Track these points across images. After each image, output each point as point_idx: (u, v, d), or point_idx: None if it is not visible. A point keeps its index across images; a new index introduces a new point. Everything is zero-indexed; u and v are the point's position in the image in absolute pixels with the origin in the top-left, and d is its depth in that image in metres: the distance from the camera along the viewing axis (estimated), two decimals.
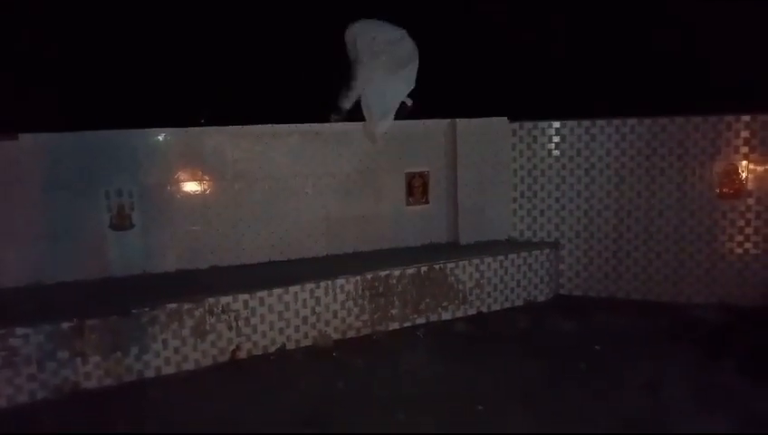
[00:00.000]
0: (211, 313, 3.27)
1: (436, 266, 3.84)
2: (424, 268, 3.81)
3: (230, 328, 3.32)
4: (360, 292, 3.63)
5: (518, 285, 4.10)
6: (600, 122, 4.15)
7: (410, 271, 3.77)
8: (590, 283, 4.28)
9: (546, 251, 4.19)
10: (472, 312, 3.96)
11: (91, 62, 5.48)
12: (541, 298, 4.19)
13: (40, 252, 3.53)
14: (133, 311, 3.09)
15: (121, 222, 3.62)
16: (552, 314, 3.96)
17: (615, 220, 4.19)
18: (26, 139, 3.46)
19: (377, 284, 3.68)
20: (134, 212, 3.65)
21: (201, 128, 4.05)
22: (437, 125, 4.34)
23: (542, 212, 4.33)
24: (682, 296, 4.08)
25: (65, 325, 2.93)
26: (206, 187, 3.85)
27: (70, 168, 3.55)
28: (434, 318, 3.85)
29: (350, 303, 3.62)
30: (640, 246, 4.15)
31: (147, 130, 3.75)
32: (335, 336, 3.59)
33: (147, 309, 3.12)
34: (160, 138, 3.77)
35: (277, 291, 3.43)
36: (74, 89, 5.31)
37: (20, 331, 2.84)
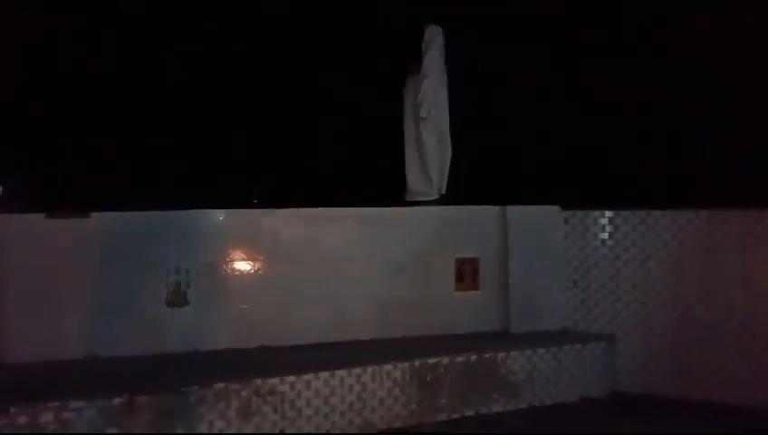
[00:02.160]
0: (257, 394, 3.25)
1: (487, 356, 3.74)
2: (473, 357, 3.72)
3: (275, 411, 3.28)
4: (407, 379, 3.56)
5: (572, 380, 3.93)
6: (655, 213, 4.09)
7: (459, 359, 3.69)
8: (650, 380, 4.06)
9: (602, 344, 4.04)
10: (523, 406, 3.79)
11: (155, 148, 5.87)
12: (596, 394, 3.99)
13: (97, 325, 3.65)
14: (182, 389, 3.11)
15: (177, 299, 3.72)
16: (607, 413, 3.76)
17: (675, 315, 4.02)
18: (97, 217, 3.68)
19: (425, 372, 3.60)
20: (189, 289, 3.76)
21: (257, 210, 4.23)
22: (488, 212, 4.36)
23: (596, 303, 4.21)
24: (754, 399, 3.80)
25: (117, 401, 2.96)
26: (258, 267, 3.94)
27: (133, 245, 3.73)
28: (483, 410, 3.71)
29: (397, 390, 3.53)
30: (703, 343, 3.93)
31: (206, 210, 3.93)
32: (380, 426, 3.49)
33: (196, 388, 3.13)
34: (219, 218, 3.93)
35: (323, 375, 3.40)
36: (139, 172, 5.68)
37: (74, 404, 2.89)
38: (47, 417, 2.83)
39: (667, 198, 4.32)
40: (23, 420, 2.79)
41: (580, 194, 4.45)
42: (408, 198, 4.77)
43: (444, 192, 4.67)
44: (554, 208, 4.32)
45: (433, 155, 4.69)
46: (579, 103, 5.48)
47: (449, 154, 4.66)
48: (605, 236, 4.19)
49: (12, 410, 2.79)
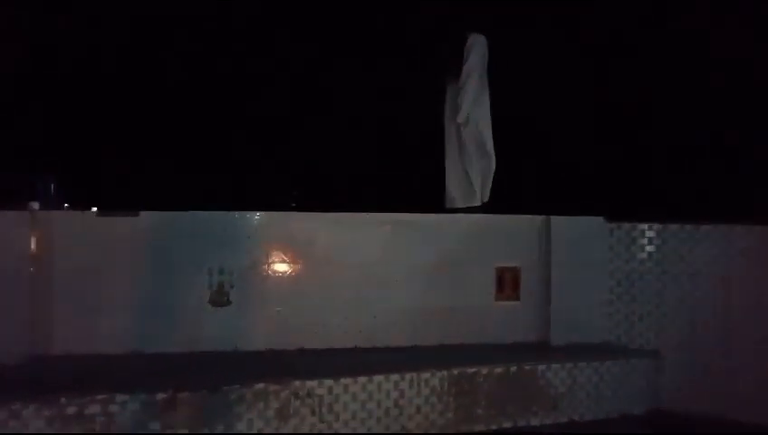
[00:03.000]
0: (296, 396, 3.27)
1: (526, 367, 3.68)
2: (513, 368, 3.66)
3: (313, 413, 3.30)
4: (445, 388, 3.53)
5: (614, 395, 3.83)
6: (705, 227, 3.97)
7: (498, 370, 3.64)
8: (695, 399, 3.93)
9: (645, 360, 3.94)
10: (563, 419, 3.72)
11: (204, 151, 6.02)
12: (638, 412, 3.88)
13: (142, 322, 3.73)
14: (223, 387, 3.15)
15: (220, 298, 3.78)
16: (649, 431, 3.66)
17: (723, 333, 3.90)
18: (145, 216, 3.76)
19: (463, 381, 3.57)
20: (232, 290, 3.81)
21: (298, 213, 4.27)
22: (530, 221, 4.30)
23: (640, 318, 4.11)
24: None
25: (160, 396, 3.02)
26: (298, 269, 3.97)
27: (179, 244, 3.80)
28: (521, 422, 3.65)
29: (435, 398, 3.51)
30: (753, 363, 3.80)
31: (250, 212, 3.97)
32: (416, 432, 3.47)
33: (236, 386, 3.17)
34: (262, 220, 3.97)
35: (362, 379, 3.40)
36: (186, 172, 5.83)
37: (119, 397, 2.95)
38: (94, 409, 2.90)
39: (717, 211, 4.19)
40: (71, 410, 2.88)
41: (625, 206, 4.36)
42: (448, 205, 4.75)
43: (486, 201, 4.64)
44: (599, 220, 4.24)
45: (473, 162, 4.67)
46: (625, 112, 5.39)
47: (493, 163, 4.62)
48: (652, 249, 4.09)
49: (62, 400, 2.87)
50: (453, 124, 4.74)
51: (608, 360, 3.85)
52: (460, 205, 4.70)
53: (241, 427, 3.15)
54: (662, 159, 5.31)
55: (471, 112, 4.62)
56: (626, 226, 4.17)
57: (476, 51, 4.65)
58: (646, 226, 4.12)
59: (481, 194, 4.70)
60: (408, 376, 3.47)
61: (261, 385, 3.21)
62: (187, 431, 3.04)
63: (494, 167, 4.65)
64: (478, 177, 4.69)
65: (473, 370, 3.59)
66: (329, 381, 3.33)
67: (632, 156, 5.38)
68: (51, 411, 2.87)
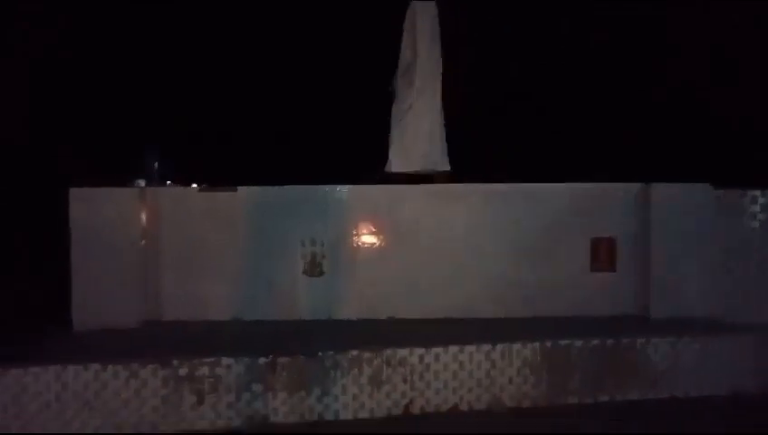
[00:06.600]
0: (388, 363, 3.35)
1: (624, 341, 3.56)
2: (609, 341, 3.55)
3: (405, 381, 3.36)
4: (537, 360, 3.48)
5: (720, 372, 3.62)
6: None
7: (594, 343, 3.54)
8: None
9: (755, 336, 3.68)
10: (664, 395, 3.57)
11: (296, 128, 6.22)
12: (747, 390, 3.65)
13: (242, 291, 3.94)
14: (319, 353, 3.28)
15: (313, 269, 3.92)
16: (761, 410, 3.44)
17: None
18: (243, 191, 3.94)
19: (556, 353, 3.50)
20: (324, 260, 3.93)
21: (387, 185, 4.30)
22: (628, 189, 4.11)
23: (750, 291, 3.84)
24: None
25: (261, 360, 3.19)
26: (388, 241, 4.03)
27: (274, 217, 3.96)
28: (618, 397, 3.54)
29: (527, 370, 3.47)
30: None
31: (338, 186, 4.06)
32: (509, 404, 3.45)
33: (331, 353, 3.29)
34: (351, 193, 4.05)
35: (453, 349, 3.42)
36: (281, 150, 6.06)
37: (225, 361, 3.15)
38: (203, 370, 3.12)
39: None
40: (183, 372, 3.11)
41: (735, 172, 4.06)
42: (387, 169, 4.65)
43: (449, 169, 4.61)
44: (705, 186, 3.97)
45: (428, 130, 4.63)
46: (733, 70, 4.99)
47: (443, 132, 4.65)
48: (764, 217, 3.79)
49: (174, 362, 3.11)
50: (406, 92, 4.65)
51: (713, 335, 3.64)
52: (402, 169, 4.61)
53: (336, 391, 3.27)
54: None
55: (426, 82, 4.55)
56: (734, 192, 3.89)
57: (424, 18, 4.56)
58: (758, 192, 3.82)
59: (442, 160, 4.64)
60: (499, 347, 3.45)
61: (355, 352, 3.32)
62: (286, 393, 3.20)
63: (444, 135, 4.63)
64: (437, 143, 4.63)
65: (566, 342, 3.52)
66: (420, 350, 3.38)
67: (742, 118, 4.98)
68: (165, 372, 3.11)
